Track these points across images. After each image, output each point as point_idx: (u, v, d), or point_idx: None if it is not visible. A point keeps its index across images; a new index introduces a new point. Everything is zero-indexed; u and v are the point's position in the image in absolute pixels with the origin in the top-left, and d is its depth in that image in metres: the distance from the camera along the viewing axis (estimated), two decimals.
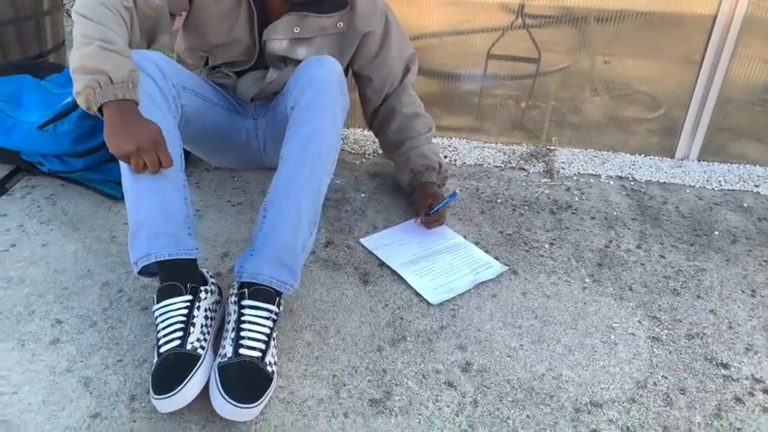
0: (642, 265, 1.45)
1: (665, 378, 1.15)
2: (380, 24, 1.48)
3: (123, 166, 1.14)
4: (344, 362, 1.16)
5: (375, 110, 1.60)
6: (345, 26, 1.43)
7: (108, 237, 1.48)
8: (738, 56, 1.80)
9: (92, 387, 1.09)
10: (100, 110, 1.10)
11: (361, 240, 1.49)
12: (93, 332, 1.21)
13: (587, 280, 1.39)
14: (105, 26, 1.14)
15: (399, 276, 1.38)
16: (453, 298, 1.32)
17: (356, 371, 1.14)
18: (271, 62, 1.46)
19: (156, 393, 1.00)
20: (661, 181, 1.80)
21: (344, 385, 1.11)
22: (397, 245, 1.48)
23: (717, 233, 1.57)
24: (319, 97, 1.22)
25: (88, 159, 1.57)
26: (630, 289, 1.37)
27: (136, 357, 1.16)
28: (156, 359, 1.05)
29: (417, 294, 1.33)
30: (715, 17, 1.76)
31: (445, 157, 1.89)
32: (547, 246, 1.51)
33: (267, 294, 1.12)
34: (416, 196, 1.55)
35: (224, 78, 1.50)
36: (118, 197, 1.57)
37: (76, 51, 1.12)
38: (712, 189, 1.77)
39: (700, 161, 1.91)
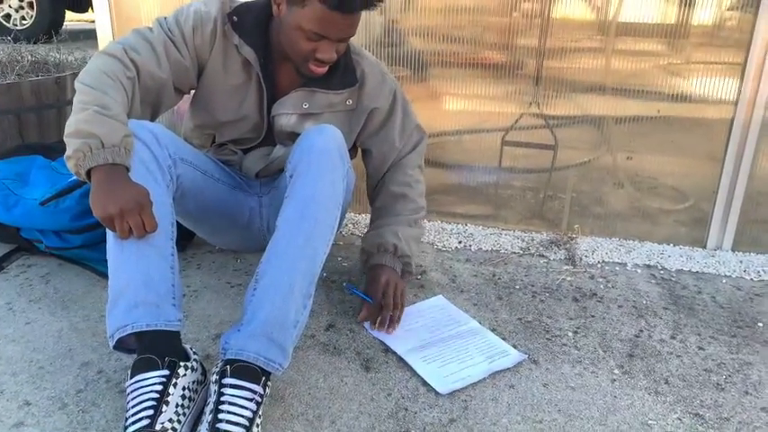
0: (678, 356, 1.29)
1: None
2: (387, 101, 1.46)
3: (109, 233, 1.07)
4: None
5: (374, 185, 1.54)
6: (354, 103, 1.41)
7: (97, 316, 1.39)
8: (762, 152, 1.74)
9: None
10: (89, 174, 1.06)
11: (366, 324, 1.37)
12: (62, 415, 1.09)
13: (616, 371, 1.24)
14: (103, 92, 1.13)
15: (406, 363, 1.25)
16: (465, 387, 1.17)
17: None
18: (278, 138, 1.43)
19: None
20: (694, 270, 1.67)
21: None
22: (404, 329, 1.35)
23: (761, 325, 1.41)
24: (318, 163, 1.17)
25: (86, 236, 1.52)
26: (667, 382, 1.21)
27: None
28: None
29: (425, 383, 1.19)
30: (732, 120, 1.73)
31: (459, 242, 1.80)
32: (570, 334, 1.36)
33: (252, 373, 1.00)
34: (368, 281, 1.41)
35: (230, 155, 1.48)
36: None
37: (72, 117, 1.10)
38: (751, 279, 1.63)
39: (734, 251, 1.78)
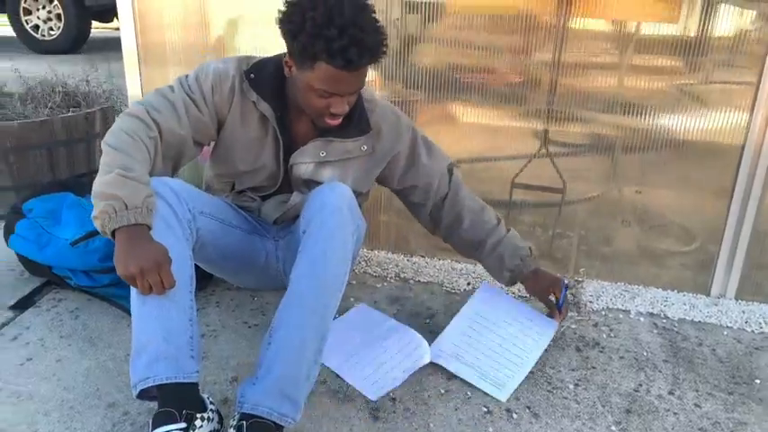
0: (675, 414, 1.34)
1: None
2: (408, 141, 1.52)
3: (132, 288, 1.16)
4: None
5: (431, 215, 1.60)
6: (370, 148, 1.48)
7: (123, 355, 1.47)
8: None
9: None
10: (113, 233, 1.14)
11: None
12: None
13: (614, 428, 1.29)
14: (126, 154, 1.21)
15: (413, 413, 1.31)
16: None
17: None
18: (295, 186, 1.50)
19: None
20: (696, 320, 1.71)
21: None
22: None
23: (758, 381, 1.46)
24: (329, 222, 1.25)
25: (114, 275, 1.59)
26: None
27: None
28: None
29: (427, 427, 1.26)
30: (743, 147, 1.74)
31: (468, 283, 1.86)
32: (571, 386, 1.42)
33: (266, 428, 1.08)
34: (532, 291, 1.60)
35: (249, 202, 1.55)
36: None
37: (98, 178, 1.18)
38: (752, 332, 1.67)
39: (737, 300, 1.82)
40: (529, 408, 1.35)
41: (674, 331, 1.66)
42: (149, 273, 1.11)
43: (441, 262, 1.99)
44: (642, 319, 1.71)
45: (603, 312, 1.74)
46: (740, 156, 1.76)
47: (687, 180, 1.85)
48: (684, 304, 1.79)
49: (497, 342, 1.48)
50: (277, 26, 1.26)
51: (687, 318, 1.72)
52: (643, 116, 1.81)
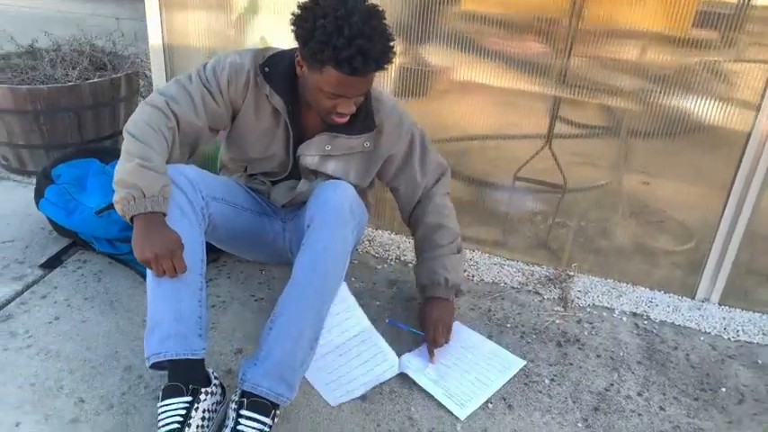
0: (639, 415, 1.45)
1: None
2: (405, 145, 1.60)
3: (148, 270, 1.28)
4: None
5: (409, 217, 1.71)
6: (372, 146, 1.56)
7: (140, 320, 1.62)
8: None
9: None
10: (132, 219, 1.26)
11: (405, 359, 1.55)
12: (109, 416, 1.32)
13: (580, 424, 1.41)
14: (146, 144, 1.31)
15: (398, 395, 1.44)
16: (443, 427, 1.37)
17: None
18: (303, 174, 1.60)
19: None
20: (677, 323, 1.80)
21: None
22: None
23: (724, 390, 1.56)
24: (331, 220, 1.35)
25: None
26: None
27: None
28: None
29: (411, 418, 1.39)
30: (749, 135, 1.71)
31: (464, 271, 1.96)
32: (547, 381, 1.53)
33: (264, 406, 1.22)
34: (423, 315, 1.61)
35: (260, 185, 1.65)
36: None
37: (120, 166, 1.29)
38: (728, 339, 1.76)
39: (720, 305, 1.89)
40: (504, 399, 1.47)
41: (654, 333, 1.75)
42: (163, 258, 1.23)
43: None
44: (625, 318, 1.81)
45: (588, 309, 1.83)
46: (744, 146, 1.73)
47: (696, 171, 1.84)
48: (668, 306, 1.88)
49: (463, 368, 1.54)
50: (290, 27, 1.32)
51: (668, 320, 1.81)
52: (662, 97, 1.78)
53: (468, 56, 1.91)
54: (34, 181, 1.94)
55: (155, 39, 2.12)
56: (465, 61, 1.91)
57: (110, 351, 1.51)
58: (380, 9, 1.30)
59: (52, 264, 1.80)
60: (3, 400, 1.33)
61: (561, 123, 1.95)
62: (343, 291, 1.64)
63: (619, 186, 1.98)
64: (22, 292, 1.68)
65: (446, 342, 1.57)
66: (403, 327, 1.64)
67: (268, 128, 1.52)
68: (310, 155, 1.53)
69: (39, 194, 1.83)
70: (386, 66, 1.30)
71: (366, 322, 1.61)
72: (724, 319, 1.84)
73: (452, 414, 1.40)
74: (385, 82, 2.00)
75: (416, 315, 1.68)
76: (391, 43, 1.29)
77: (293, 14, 1.31)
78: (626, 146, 1.94)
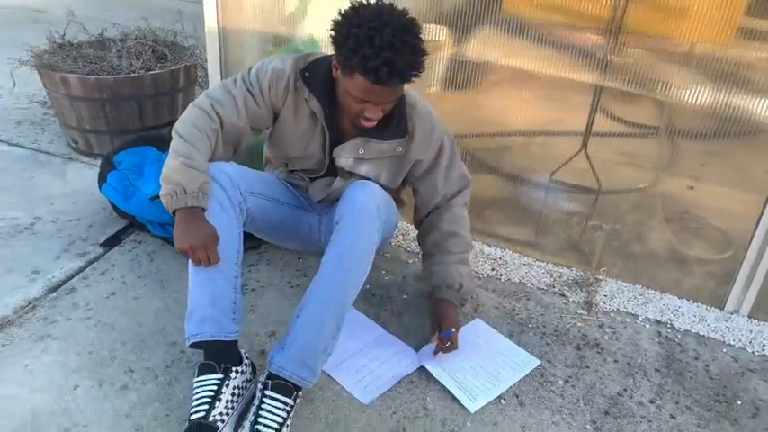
0: (649, 421, 1.50)
1: None
2: (433, 153, 1.66)
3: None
4: None
5: (422, 218, 1.78)
6: (403, 150, 1.63)
7: (185, 300, 1.71)
8: None
9: None
10: (174, 212, 1.39)
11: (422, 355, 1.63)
12: (154, 385, 1.48)
13: (588, 426, 1.47)
14: (191, 144, 1.44)
15: (415, 386, 1.54)
16: (454, 416, 1.45)
17: None
18: (339, 173, 1.69)
19: None
20: (701, 334, 1.81)
21: None
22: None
23: (739, 403, 1.57)
24: (358, 220, 1.45)
25: None
26: None
27: (180, 415, 1.40)
28: (187, 423, 1.30)
29: (425, 407, 1.48)
30: None
31: (492, 269, 2.03)
32: (561, 382, 1.59)
33: (287, 388, 1.34)
34: (432, 313, 1.68)
35: (299, 181, 1.76)
36: None
37: (167, 163, 1.43)
38: (752, 352, 1.76)
39: (750, 318, 1.88)
40: (517, 396, 1.54)
41: (675, 342, 1.77)
42: (199, 250, 1.36)
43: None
44: (648, 325, 1.83)
45: (612, 314, 1.87)
46: None
47: (744, 178, 1.79)
48: (695, 316, 1.88)
49: (479, 363, 1.62)
50: (329, 32, 1.41)
51: (693, 330, 1.83)
52: (719, 93, 1.70)
53: (512, 46, 1.90)
54: (99, 164, 2.12)
55: (210, 21, 2.20)
56: (509, 52, 1.91)
57: (158, 327, 1.66)
58: (417, 24, 1.37)
59: (111, 243, 1.98)
60: (64, 365, 1.51)
61: (607, 120, 1.91)
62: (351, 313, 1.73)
63: (660, 190, 1.97)
64: (84, 268, 1.86)
65: (455, 347, 1.60)
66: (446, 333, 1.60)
67: (306, 129, 1.62)
68: (344, 157, 1.62)
69: (101, 179, 2.01)
70: (411, 79, 1.37)
71: (378, 329, 1.71)
72: (751, 332, 1.83)
73: (464, 406, 1.49)
74: (433, 75, 2.04)
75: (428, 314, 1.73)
76: (420, 58, 1.35)
77: (333, 21, 1.40)
78: (674, 147, 1.92)
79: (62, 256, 1.90)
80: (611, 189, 2.03)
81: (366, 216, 1.46)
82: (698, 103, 1.75)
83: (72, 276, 1.82)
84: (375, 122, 1.49)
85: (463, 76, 2.02)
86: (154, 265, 1.90)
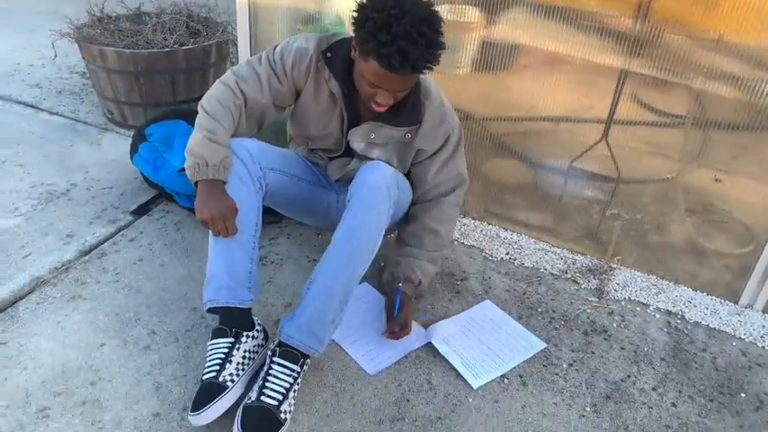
0: (650, 408, 1.52)
1: None
2: (436, 145, 1.68)
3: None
4: (348, 426, 1.41)
5: (412, 203, 1.78)
6: (411, 137, 1.66)
7: None
8: None
9: (160, 392, 1.45)
10: (197, 184, 1.46)
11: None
12: (174, 348, 1.57)
13: (588, 409, 1.50)
14: (215, 119, 1.50)
15: (422, 361, 1.59)
16: (458, 392, 1.50)
17: None
18: (356, 153, 1.74)
19: (190, 410, 1.33)
20: (711, 326, 1.82)
21: None
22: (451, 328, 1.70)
23: (743, 395, 1.58)
24: (367, 199, 1.50)
25: None
26: (626, 429, 1.46)
27: (196, 376, 1.49)
28: (199, 383, 1.38)
29: (429, 382, 1.53)
30: None
31: (506, 253, 2.06)
32: (565, 366, 1.63)
33: (294, 356, 1.41)
34: (386, 303, 1.73)
35: (319, 159, 1.82)
36: None
37: (192, 136, 1.50)
38: (763, 347, 1.75)
39: (763, 313, 1.87)
40: (521, 376, 1.58)
41: (685, 333, 1.78)
42: (218, 220, 1.43)
43: (488, 227, 2.18)
44: (658, 315, 1.84)
45: (623, 303, 1.88)
46: None
47: None
48: (707, 308, 1.88)
49: (485, 343, 1.67)
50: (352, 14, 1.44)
51: (704, 322, 1.83)
52: (753, 85, 1.67)
53: (543, 28, 1.88)
54: (132, 135, 2.21)
55: None
56: (540, 34, 1.89)
57: (180, 293, 1.75)
58: (437, 17, 1.38)
59: (141, 211, 2.07)
60: (93, 324, 1.61)
61: (634, 108, 1.89)
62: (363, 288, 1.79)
63: (684, 181, 1.96)
64: (114, 234, 1.96)
65: (403, 334, 1.62)
66: (397, 299, 1.67)
67: (326, 109, 1.66)
68: (357, 141, 1.66)
69: (133, 150, 2.10)
70: (423, 70, 1.40)
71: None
72: (763, 327, 1.83)
73: (467, 383, 1.54)
74: (464, 55, 2.04)
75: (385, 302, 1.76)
76: (436, 52, 1.37)
77: (356, 1, 1.43)
78: (704, 137, 1.89)
79: (95, 222, 2.01)
80: (632, 178, 2.02)
81: (376, 195, 1.50)
82: (732, 92, 1.71)
83: (103, 241, 1.92)
84: (386, 108, 1.51)
85: (493, 58, 2.02)
86: (180, 235, 1.99)
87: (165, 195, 2.11)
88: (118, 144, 2.53)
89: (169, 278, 1.80)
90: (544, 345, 1.68)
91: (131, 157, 2.11)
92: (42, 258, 1.82)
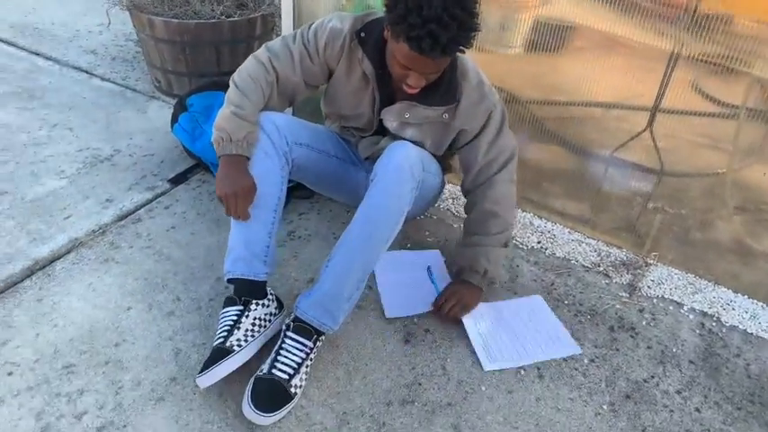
0: (671, 411, 1.47)
1: None
2: (480, 123, 1.64)
3: None
4: (357, 404, 1.42)
5: (467, 191, 1.77)
6: (450, 118, 1.62)
7: None
8: None
9: (179, 357, 1.49)
10: (220, 158, 1.48)
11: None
12: (197, 315, 1.61)
13: (605, 407, 1.46)
14: (244, 94, 1.51)
15: (438, 346, 1.58)
16: (471, 380, 1.49)
17: (362, 415, 1.39)
18: (387, 133, 1.72)
19: (198, 372, 1.37)
20: (748, 331, 1.72)
21: (348, 424, 1.37)
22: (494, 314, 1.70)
23: None
24: (390, 178, 1.48)
25: None
26: (643, 431, 1.41)
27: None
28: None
29: (444, 368, 1.52)
30: None
31: (538, 242, 2.00)
32: (586, 361, 1.58)
33: (307, 331, 1.43)
34: (449, 285, 1.71)
35: (351, 137, 1.81)
36: None
37: (221, 110, 1.51)
38: None
39: None
40: (538, 369, 1.55)
41: (718, 336, 1.70)
42: (232, 200, 1.46)
43: (522, 214, 2.13)
44: (692, 316, 1.76)
45: (655, 300, 1.80)
46: None
47: None
48: (746, 312, 1.79)
49: (515, 331, 1.64)
50: None
51: (740, 327, 1.74)
52: None
53: (598, 7, 1.80)
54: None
55: None
56: (594, 14, 1.82)
57: (207, 262, 1.80)
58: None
59: (178, 180, 2.13)
60: (122, 287, 1.67)
61: (688, 97, 1.79)
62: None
63: (735, 176, 1.86)
64: (151, 201, 2.02)
65: (455, 319, 1.64)
66: (433, 279, 1.76)
67: (358, 89, 1.64)
68: (390, 120, 1.64)
69: (174, 119, 2.15)
70: (452, 54, 1.36)
71: (434, 255, 1.84)
72: None
73: (482, 370, 1.52)
74: (517, 35, 1.98)
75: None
76: (468, 34, 1.32)
77: None
78: (761, 130, 1.79)
79: (133, 188, 2.07)
80: (679, 171, 1.93)
81: (399, 175, 1.48)
82: None
83: (140, 208, 1.99)
84: (417, 89, 1.48)
85: (546, 38, 1.95)
86: (213, 205, 2.03)
87: (203, 165, 2.16)
88: (163, 112, 2.59)
89: (198, 247, 1.85)
90: (579, 350, 1.62)
91: (172, 127, 2.16)
92: (81, 221, 1.90)
